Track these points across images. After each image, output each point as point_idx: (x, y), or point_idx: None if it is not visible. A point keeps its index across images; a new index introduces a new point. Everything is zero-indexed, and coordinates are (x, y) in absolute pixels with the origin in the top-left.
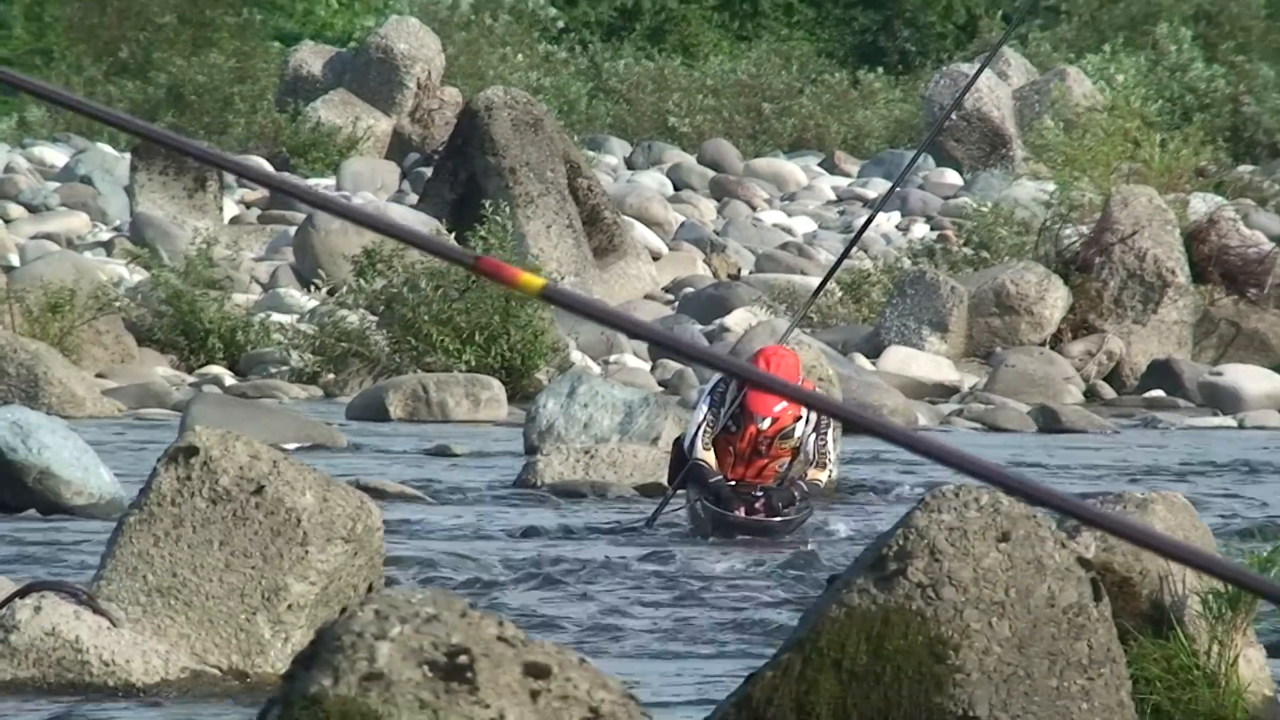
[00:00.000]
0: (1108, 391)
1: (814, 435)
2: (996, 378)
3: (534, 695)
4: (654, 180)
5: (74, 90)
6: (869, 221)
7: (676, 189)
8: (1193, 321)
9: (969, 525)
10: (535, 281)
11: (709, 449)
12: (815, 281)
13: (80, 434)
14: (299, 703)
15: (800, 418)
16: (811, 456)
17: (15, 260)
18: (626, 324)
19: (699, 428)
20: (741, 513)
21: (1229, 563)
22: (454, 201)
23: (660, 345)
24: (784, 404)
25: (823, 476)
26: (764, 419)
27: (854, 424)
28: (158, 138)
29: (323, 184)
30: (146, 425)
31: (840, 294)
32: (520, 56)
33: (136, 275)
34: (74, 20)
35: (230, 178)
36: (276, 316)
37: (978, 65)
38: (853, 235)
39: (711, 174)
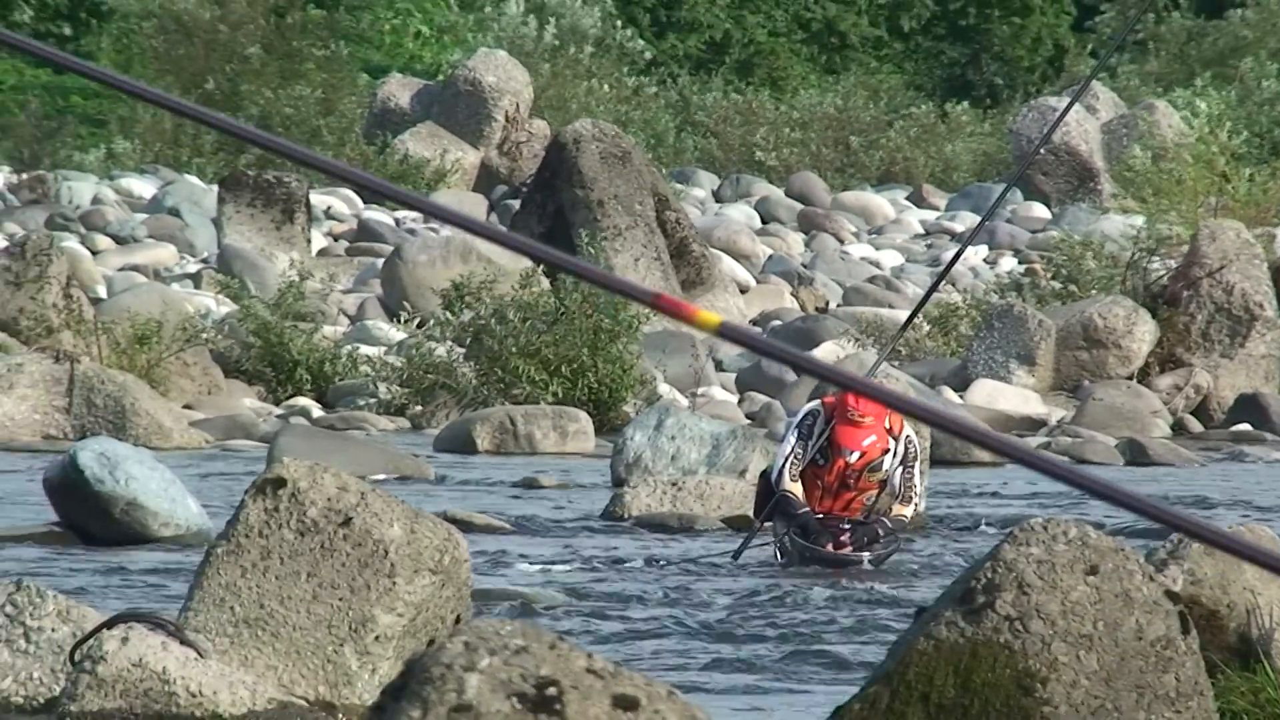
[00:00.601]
0: (1195, 425)
1: (901, 469)
2: (1084, 411)
3: None
4: (741, 213)
5: (162, 122)
6: (958, 255)
7: (764, 222)
8: None
9: (1057, 558)
10: (712, 319)
11: (796, 481)
12: (903, 315)
13: (167, 465)
14: None
15: (888, 450)
16: (898, 490)
17: (103, 292)
18: (798, 360)
19: (786, 460)
20: (829, 546)
21: None
22: (542, 235)
23: (832, 381)
24: (872, 437)
25: (908, 511)
26: (852, 452)
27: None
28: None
29: (410, 216)
30: (233, 457)
31: (928, 327)
32: (607, 89)
33: (224, 307)
34: (161, 51)
35: (320, 210)
36: (364, 348)
37: (1066, 99)
38: (941, 269)
39: (799, 207)
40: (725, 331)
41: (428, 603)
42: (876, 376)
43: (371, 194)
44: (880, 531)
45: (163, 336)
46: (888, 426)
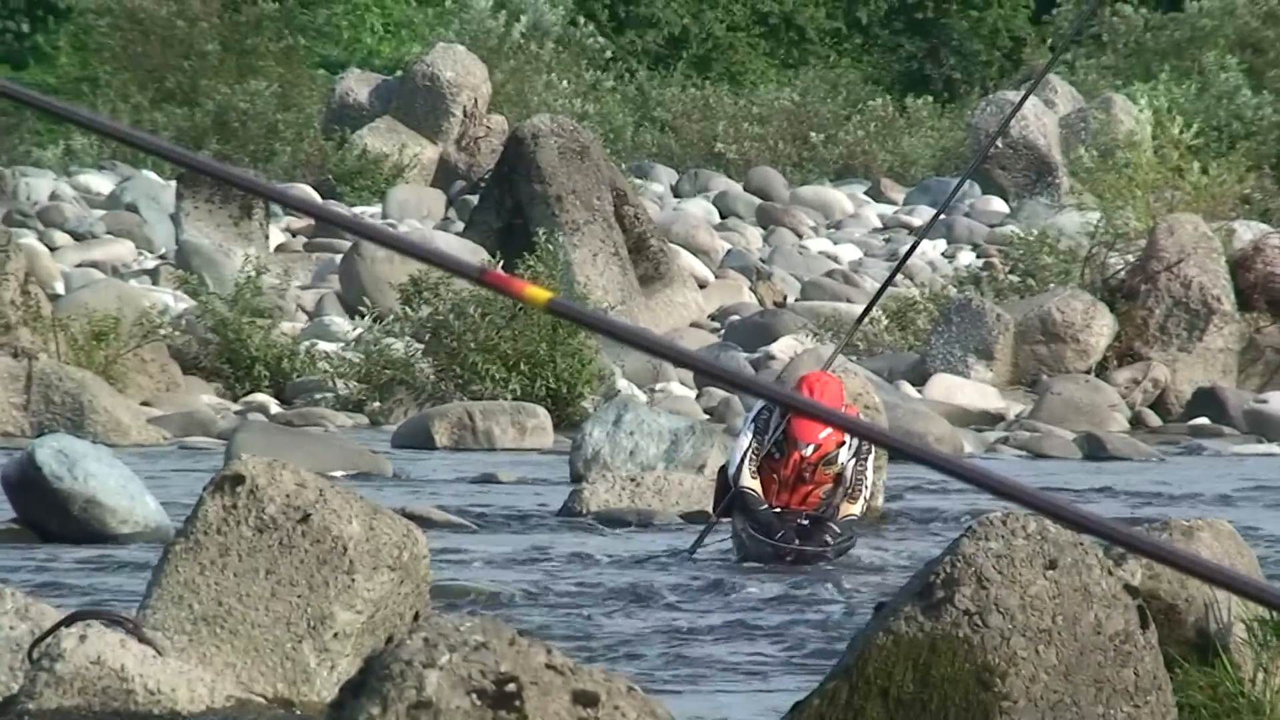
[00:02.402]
0: (1153, 419)
1: (853, 461)
2: (1042, 405)
3: None
4: (700, 208)
5: (120, 118)
6: (913, 248)
7: (723, 216)
8: (1238, 349)
9: (1016, 553)
10: (541, 294)
11: (754, 476)
12: (860, 309)
13: (126, 462)
14: None
15: (843, 443)
16: (849, 484)
17: (61, 288)
18: (632, 337)
19: (743, 455)
20: (787, 540)
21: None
22: (500, 229)
23: (666, 358)
24: (828, 430)
25: (856, 509)
26: (808, 445)
27: (897, 451)
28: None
29: (369, 212)
30: (192, 453)
31: (886, 321)
32: (566, 84)
33: (182, 303)
34: (119, 49)
35: (277, 206)
36: (322, 344)
37: (1023, 92)
38: (897, 262)
39: (758, 202)
40: (555, 307)
41: (387, 599)
42: (834, 370)
43: (328, 191)
44: (836, 532)
45: (120, 333)
46: None
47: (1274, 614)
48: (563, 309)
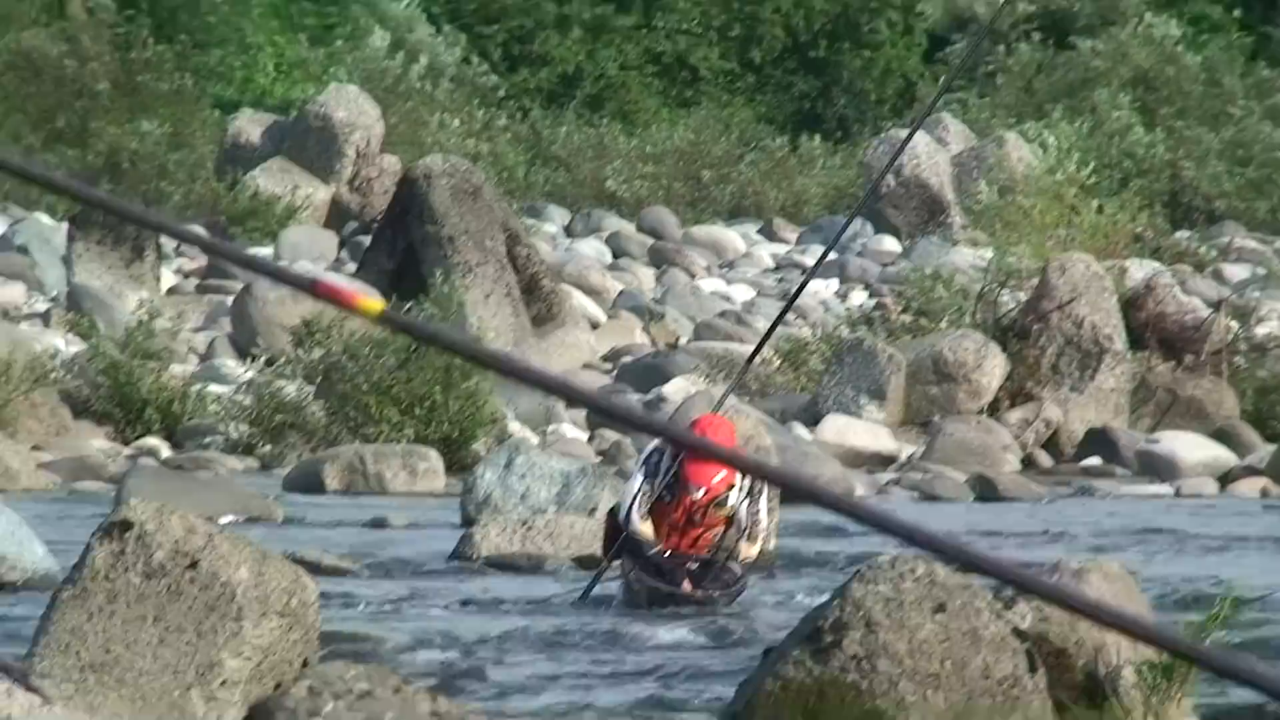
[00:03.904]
0: (1045, 460)
1: (747, 503)
2: (934, 446)
3: None
4: (593, 248)
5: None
6: (802, 286)
7: (615, 257)
8: (1130, 389)
9: (905, 596)
10: (374, 305)
11: (645, 520)
12: (752, 350)
13: (14, 508)
14: None
15: (734, 486)
16: (744, 526)
17: None
18: (473, 352)
19: (634, 498)
20: (680, 585)
21: (1165, 629)
22: (392, 271)
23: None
24: (721, 473)
25: (753, 551)
26: (698, 488)
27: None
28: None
29: (261, 253)
30: (82, 499)
31: (778, 362)
32: (458, 123)
33: (73, 347)
34: (10, 89)
35: (169, 248)
36: (214, 387)
37: (913, 128)
38: (787, 301)
39: (650, 241)
40: (387, 318)
41: (275, 646)
42: (725, 411)
43: (222, 232)
44: (727, 576)
45: (11, 377)
46: None
47: (1163, 657)
48: (394, 320)
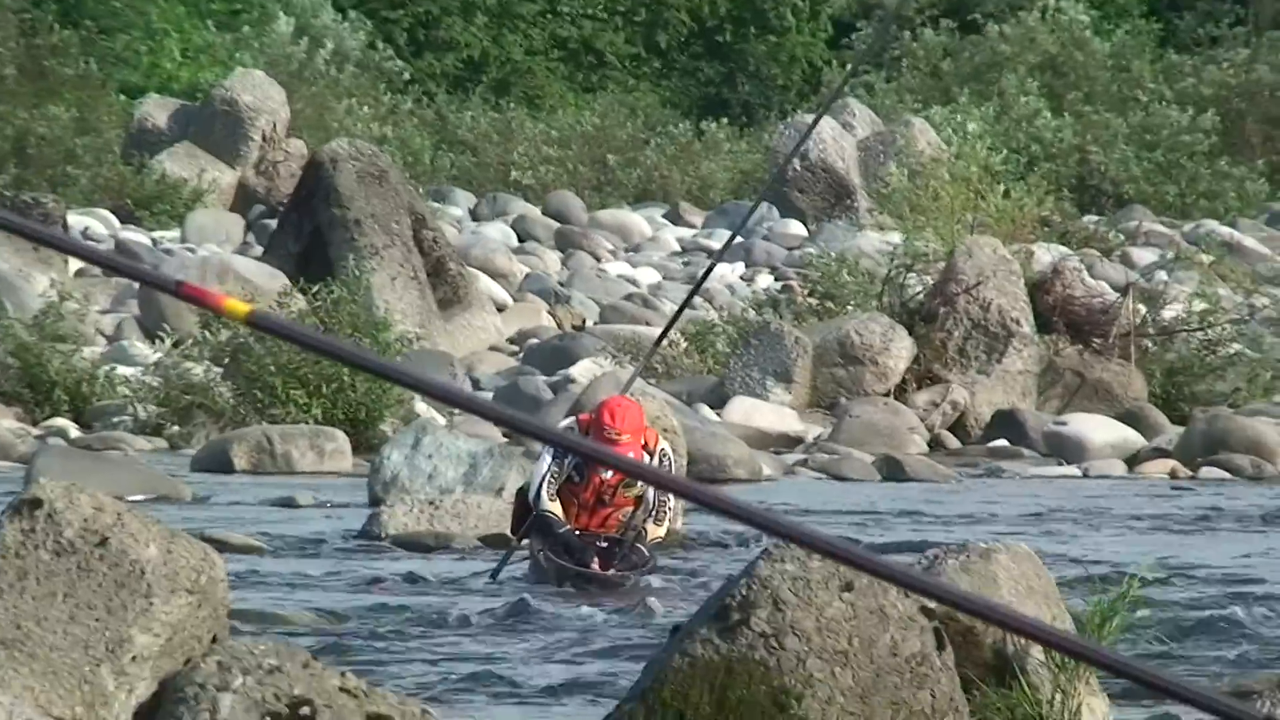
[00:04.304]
0: (952, 441)
1: None
2: (841, 428)
3: None
4: (499, 232)
5: None
6: (709, 270)
7: (521, 241)
8: (1037, 372)
9: (812, 575)
10: (241, 307)
11: (554, 499)
12: (659, 332)
13: None
14: None
15: None
16: (652, 506)
17: None
18: (336, 351)
19: (543, 478)
20: (591, 564)
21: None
22: (299, 254)
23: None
24: (630, 455)
25: (661, 530)
26: (608, 469)
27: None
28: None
29: (168, 236)
30: None
31: (685, 345)
32: (366, 109)
33: None
34: None
35: (76, 230)
36: (122, 369)
37: (818, 114)
38: (694, 284)
39: (556, 225)
40: (255, 320)
41: (184, 623)
42: (633, 394)
43: (128, 216)
44: (635, 556)
45: None
46: (643, 443)
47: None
48: (263, 322)
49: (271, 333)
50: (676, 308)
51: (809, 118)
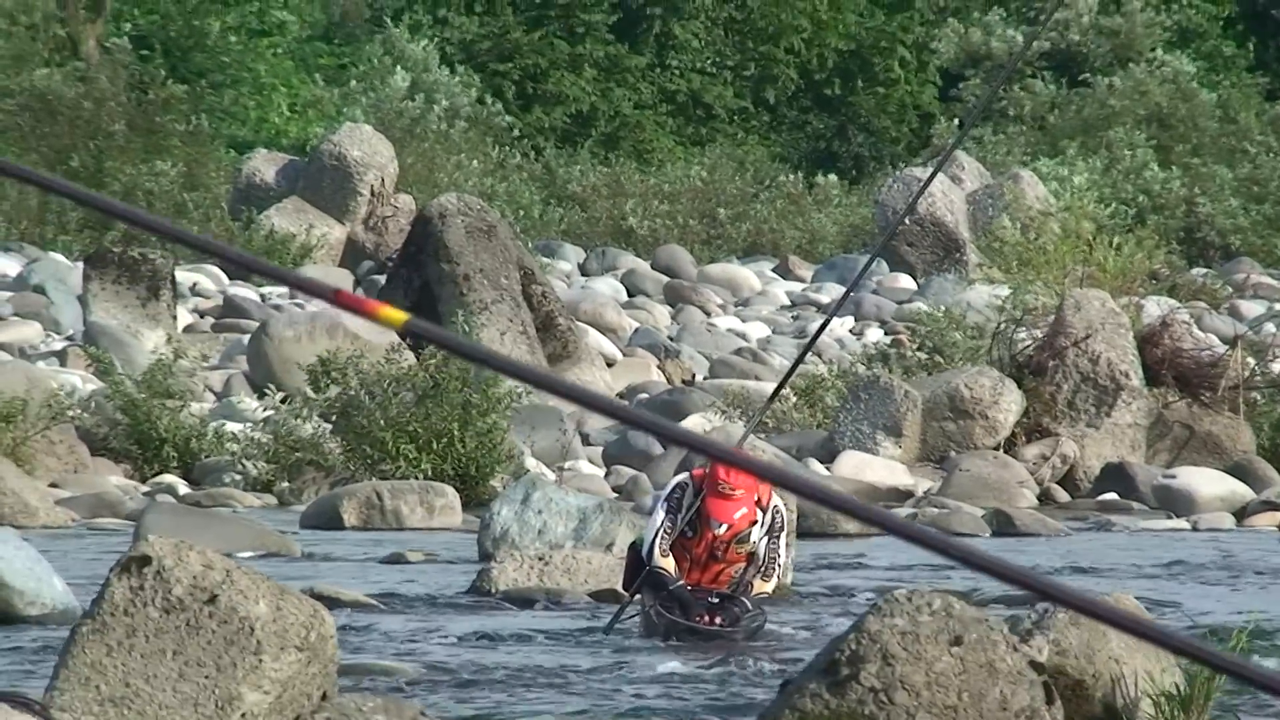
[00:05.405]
0: (1062, 495)
1: (766, 539)
2: (951, 482)
3: None
4: (608, 286)
5: (27, 199)
6: (824, 326)
7: (630, 295)
8: (1146, 424)
9: (921, 629)
10: (397, 315)
11: (667, 555)
12: (769, 387)
13: (33, 544)
14: None
15: (756, 522)
16: (762, 562)
17: None
18: (499, 363)
19: (657, 534)
20: (701, 619)
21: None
22: (408, 309)
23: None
24: (742, 509)
25: (768, 586)
26: (720, 524)
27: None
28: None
29: (276, 292)
30: (100, 535)
31: (794, 399)
32: (474, 163)
33: (90, 385)
34: (26, 129)
35: (185, 286)
36: (230, 425)
37: (930, 169)
38: (807, 340)
39: (665, 280)
40: (411, 328)
41: (294, 680)
42: (744, 449)
43: (236, 269)
44: (739, 611)
45: (28, 414)
46: (756, 498)
47: (1179, 690)
48: (419, 330)
49: (429, 340)
50: (786, 362)
51: (919, 170)
